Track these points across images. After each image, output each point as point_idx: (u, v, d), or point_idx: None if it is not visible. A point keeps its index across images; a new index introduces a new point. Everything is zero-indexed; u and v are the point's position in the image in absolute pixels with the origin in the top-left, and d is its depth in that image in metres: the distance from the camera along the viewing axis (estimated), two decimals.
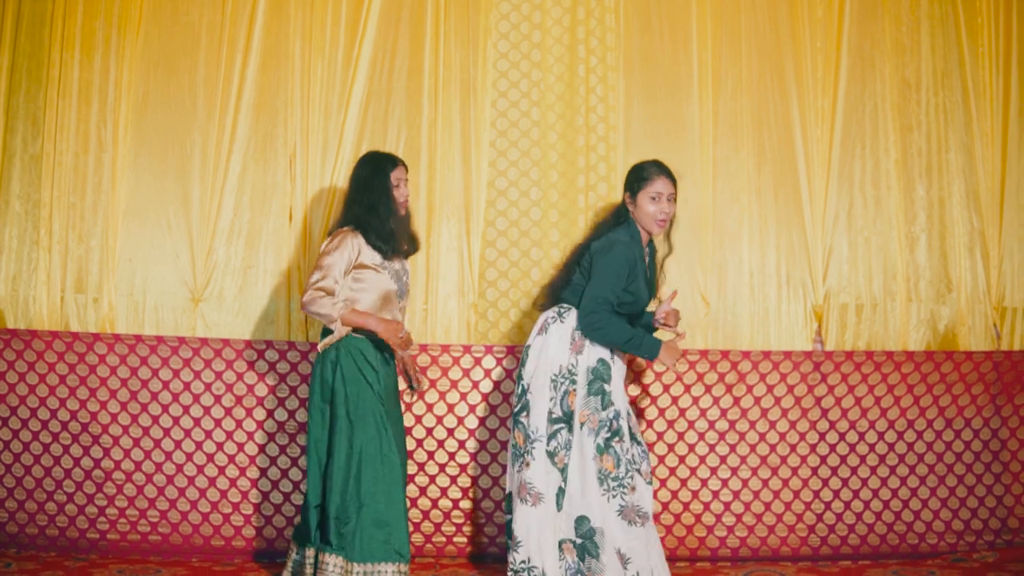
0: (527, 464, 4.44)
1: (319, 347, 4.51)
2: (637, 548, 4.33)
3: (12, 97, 5.58)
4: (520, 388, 4.56)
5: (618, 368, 4.50)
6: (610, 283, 4.41)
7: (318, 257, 4.51)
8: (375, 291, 4.54)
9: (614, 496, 4.35)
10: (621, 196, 4.94)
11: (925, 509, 5.48)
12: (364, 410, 4.45)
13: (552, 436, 4.42)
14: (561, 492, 4.41)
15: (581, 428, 4.40)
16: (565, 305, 4.58)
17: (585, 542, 4.37)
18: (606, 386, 4.43)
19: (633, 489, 4.36)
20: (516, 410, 4.56)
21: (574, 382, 4.43)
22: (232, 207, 5.52)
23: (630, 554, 4.33)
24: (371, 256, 4.54)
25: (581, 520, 4.38)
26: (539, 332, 4.58)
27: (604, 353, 4.46)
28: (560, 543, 4.40)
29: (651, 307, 4.81)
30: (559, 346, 4.48)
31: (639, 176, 4.55)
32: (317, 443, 4.53)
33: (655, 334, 4.75)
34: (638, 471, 4.44)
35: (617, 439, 4.38)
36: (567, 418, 4.42)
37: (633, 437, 4.50)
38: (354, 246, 4.51)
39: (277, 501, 5.36)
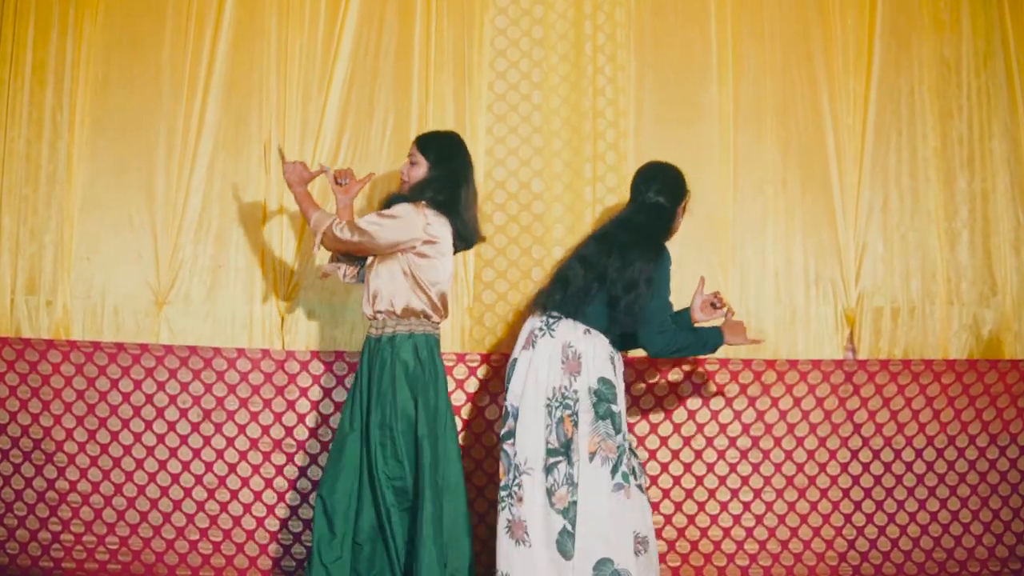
0: (519, 499, 4.05)
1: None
2: None
3: None
4: (506, 409, 4.19)
5: (620, 387, 4.17)
6: (666, 298, 4.21)
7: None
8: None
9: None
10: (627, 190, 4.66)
11: (967, 534, 5.22)
12: None
13: (549, 470, 4.01)
14: (568, 536, 3.97)
15: (592, 459, 4.01)
16: (556, 314, 4.18)
17: None
18: (613, 407, 4.07)
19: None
20: (502, 434, 4.18)
21: (569, 407, 4.04)
22: (200, 200, 5.26)
23: None
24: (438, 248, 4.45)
25: (603, 564, 3.97)
26: (525, 345, 4.21)
27: (606, 370, 4.09)
28: None
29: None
30: (551, 365, 4.11)
31: (682, 185, 4.39)
32: None
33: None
34: (639, 487, 4.11)
35: (629, 459, 4.08)
36: (565, 449, 4.02)
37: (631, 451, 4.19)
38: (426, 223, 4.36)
39: (250, 527, 5.06)
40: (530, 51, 5.35)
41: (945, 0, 5.51)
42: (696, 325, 4.38)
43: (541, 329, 4.17)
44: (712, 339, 4.25)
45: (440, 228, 4.25)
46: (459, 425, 5.01)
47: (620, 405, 4.10)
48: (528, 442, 4.05)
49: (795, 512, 5.16)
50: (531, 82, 5.34)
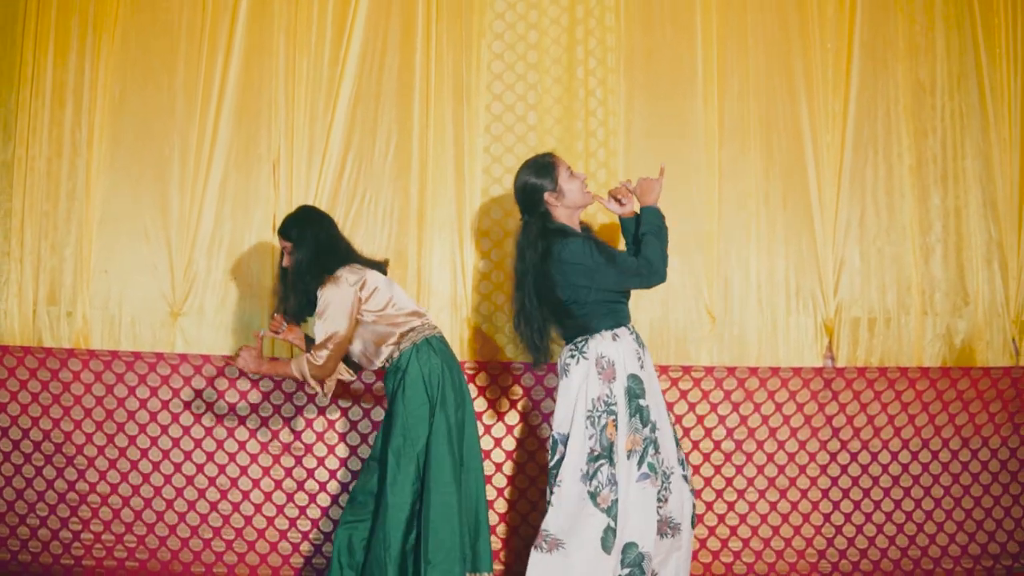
0: (548, 511, 4.16)
1: None
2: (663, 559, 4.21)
3: None
4: (554, 437, 4.26)
5: (648, 375, 4.25)
6: (604, 265, 4.17)
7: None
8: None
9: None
10: None
11: (940, 533, 5.35)
12: None
13: (592, 476, 4.10)
14: (611, 532, 4.06)
15: (628, 457, 4.13)
16: (580, 339, 4.25)
17: (633, 570, 4.12)
18: (641, 402, 4.17)
19: (667, 500, 4.20)
20: (551, 465, 4.25)
21: (613, 412, 4.14)
22: (213, 216, 5.38)
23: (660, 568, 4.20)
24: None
25: (629, 547, 4.11)
26: (560, 376, 4.29)
27: (633, 367, 4.18)
28: None
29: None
30: (588, 381, 4.17)
31: (540, 172, 4.32)
32: None
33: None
34: (684, 477, 4.27)
35: (654, 452, 4.17)
36: (608, 452, 4.11)
37: (677, 441, 4.32)
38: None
39: (261, 526, 5.21)
40: (525, 74, 5.45)
41: (921, 24, 5.58)
42: (628, 220, 4.37)
43: (572, 356, 4.23)
44: (651, 220, 4.21)
45: (358, 275, 4.47)
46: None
47: (648, 399, 4.17)
48: (573, 459, 4.14)
49: (777, 511, 5.27)
50: (526, 104, 5.44)
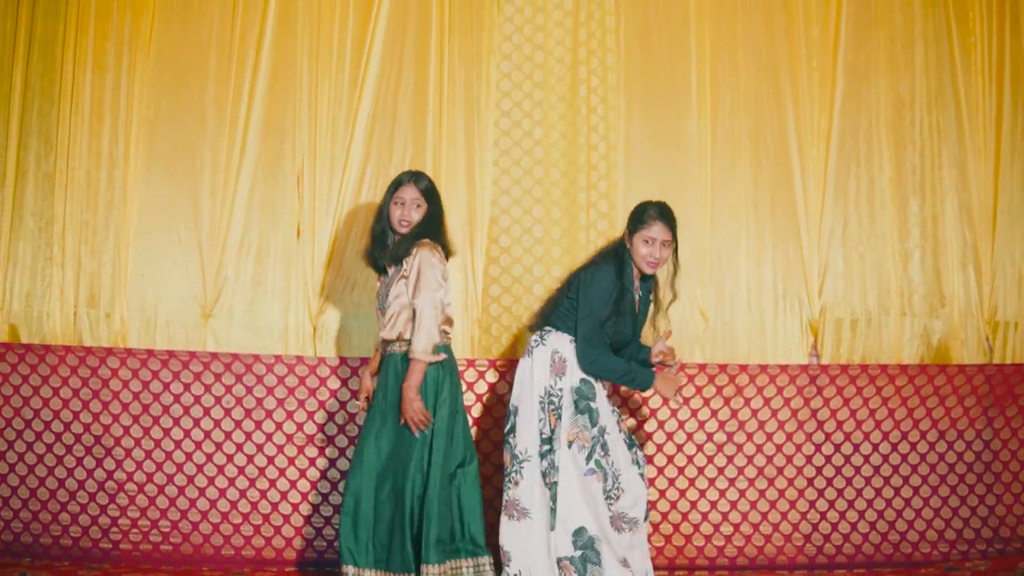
0: (515, 483, 4.54)
1: None
2: (628, 553, 4.52)
3: (25, 115, 5.65)
4: (509, 409, 4.67)
5: (600, 388, 4.62)
6: (598, 314, 4.49)
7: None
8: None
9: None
10: (621, 212, 5.23)
11: (918, 519, 5.57)
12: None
13: (543, 456, 4.50)
14: (552, 511, 4.46)
15: (570, 446, 4.48)
16: (548, 328, 4.66)
17: (586, 551, 4.44)
18: (592, 403, 4.53)
19: (618, 498, 4.50)
20: (506, 430, 4.66)
21: (555, 404, 4.52)
22: (241, 223, 5.59)
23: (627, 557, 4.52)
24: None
25: (579, 532, 4.45)
26: (525, 355, 4.69)
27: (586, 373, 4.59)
28: (558, 562, 4.46)
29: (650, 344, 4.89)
30: (542, 369, 4.57)
31: (639, 218, 4.57)
32: None
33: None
34: (641, 475, 4.59)
35: (603, 453, 4.50)
36: (549, 439, 4.50)
37: (630, 443, 4.65)
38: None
39: (286, 512, 5.45)
40: (532, 92, 5.67)
41: (901, 43, 5.79)
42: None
43: (536, 340, 4.64)
44: (642, 381, 4.52)
45: (445, 262, 4.64)
46: (470, 420, 5.28)
47: (599, 403, 4.54)
48: (526, 434, 4.54)
49: (765, 499, 5.50)
50: (532, 120, 5.65)
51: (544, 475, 4.49)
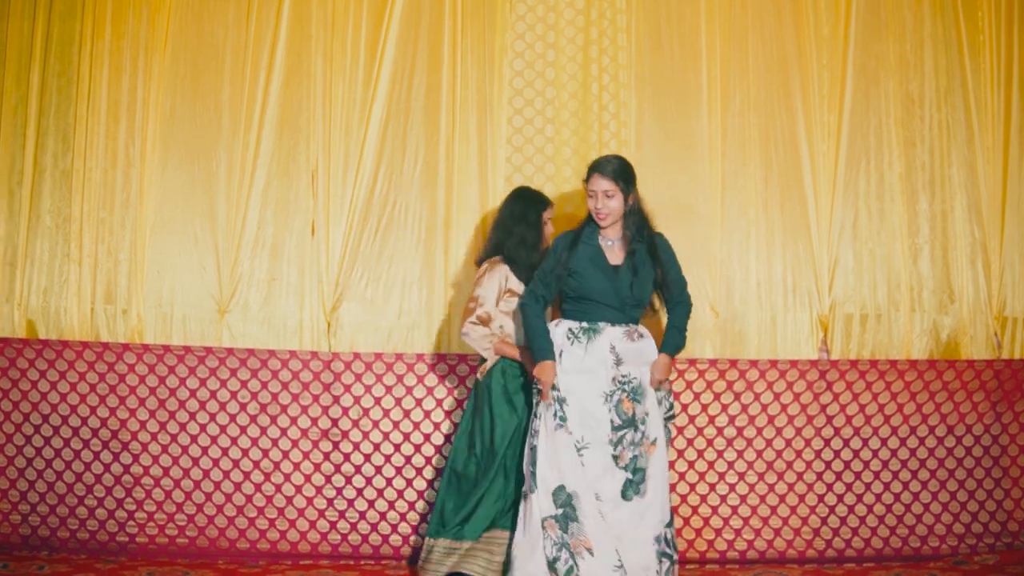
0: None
1: (478, 374, 5.01)
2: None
3: (43, 115, 5.71)
4: None
5: (570, 368, 4.66)
6: (541, 266, 4.77)
7: (472, 287, 5.00)
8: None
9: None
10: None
11: (927, 513, 5.58)
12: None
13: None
14: (532, 475, 4.63)
15: (546, 410, 4.66)
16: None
17: (565, 509, 4.54)
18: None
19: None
20: None
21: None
22: (256, 221, 5.65)
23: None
24: (516, 283, 4.98)
25: (558, 491, 4.57)
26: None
27: (562, 342, 4.70)
28: (543, 522, 4.55)
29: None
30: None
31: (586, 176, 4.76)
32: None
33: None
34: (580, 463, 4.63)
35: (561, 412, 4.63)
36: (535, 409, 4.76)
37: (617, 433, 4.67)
38: (503, 275, 4.97)
39: (301, 505, 5.50)
40: (544, 90, 5.71)
41: (911, 42, 5.80)
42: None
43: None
44: (534, 351, 4.72)
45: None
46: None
47: (562, 389, 4.65)
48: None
49: (775, 493, 5.52)
50: (545, 117, 5.69)
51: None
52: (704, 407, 5.58)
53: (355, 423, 5.53)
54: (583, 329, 4.68)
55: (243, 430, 5.51)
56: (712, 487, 5.57)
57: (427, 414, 5.55)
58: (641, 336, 4.71)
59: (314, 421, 5.53)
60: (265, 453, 5.51)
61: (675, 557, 4.60)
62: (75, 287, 5.63)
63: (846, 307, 5.70)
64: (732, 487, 5.56)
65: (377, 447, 5.54)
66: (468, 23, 5.74)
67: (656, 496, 4.58)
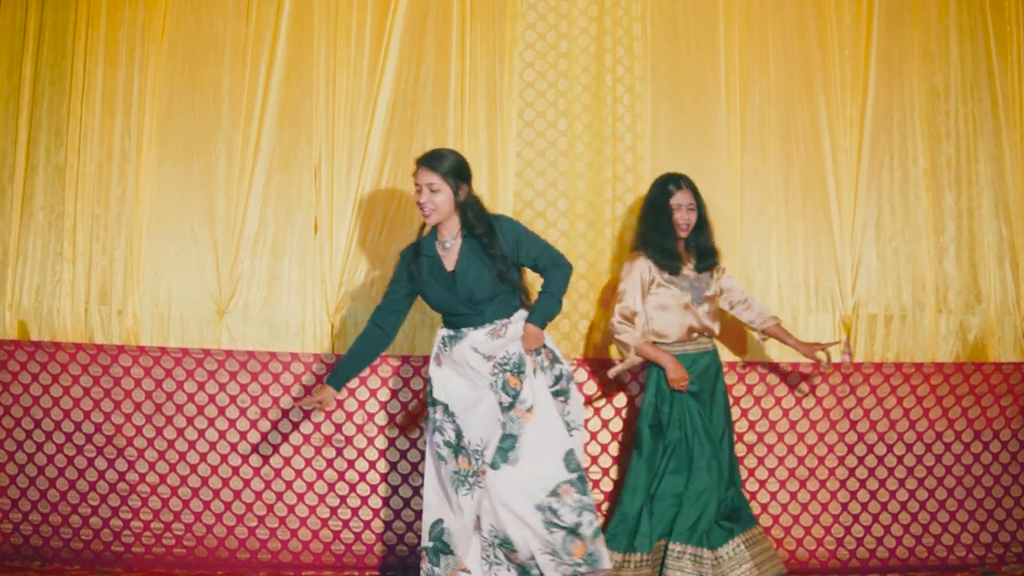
0: None
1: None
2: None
3: (35, 108, 5.59)
4: None
5: (441, 375, 4.49)
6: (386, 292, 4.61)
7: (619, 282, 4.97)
8: (670, 307, 4.86)
9: (467, 493, 4.42)
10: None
11: (953, 522, 5.48)
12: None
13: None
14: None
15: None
16: None
17: (435, 543, 4.43)
18: (432, 378, 4.51)
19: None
20: None
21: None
22: (257, 218, 5.54)
23: None
24: (660, 274, 4.88)
25: (436, 523, 4.47)
26: None
27: (439, 350, 4.52)
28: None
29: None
30: None
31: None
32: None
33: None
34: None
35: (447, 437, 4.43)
36: None
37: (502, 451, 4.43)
38: (643, 267, 4.89)
39: (303, 514, 5.37)
40: (556, 82, 5.59)
41: (935, 32, 5.70)
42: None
43: None
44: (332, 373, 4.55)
45: None
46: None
47: (435, 378, 4.50)
48: None
49: (797, 501, 5.41)
50: (557, 110, 5.58)
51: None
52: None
53: (360, 428, 5.42)
54: (450, 337, 4.48)
55: (243, 436, 5.38)
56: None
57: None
58: (507, 327, 4.44)
59: (317, 426, 5.40)
60: (266, 460, 5.38)
61: (575, 526, 4.24)
62: (68, 287, 5.51)
63: (870, 308, 5.60)
64: (753, 495, 5.43)
65: (383, 453, 5.42)
66: (477, 12, 5.62)
67: (535, 464, 4.30)
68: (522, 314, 4.46)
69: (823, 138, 5.65)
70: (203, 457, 5.37)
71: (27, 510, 5.35)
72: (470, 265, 4.39)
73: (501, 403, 4.36)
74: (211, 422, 5.38)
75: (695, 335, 4.91)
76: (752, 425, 5.45)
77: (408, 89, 5.59)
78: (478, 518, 4.34)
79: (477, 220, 4.41)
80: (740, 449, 5.41)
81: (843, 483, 5.45)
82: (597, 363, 5.48)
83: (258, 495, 5.37)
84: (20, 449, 5.36)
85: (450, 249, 4.45)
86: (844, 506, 5.44)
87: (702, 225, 4.97)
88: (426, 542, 4.40)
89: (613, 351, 5.45)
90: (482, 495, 4.31)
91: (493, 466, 4.30)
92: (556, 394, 4.45)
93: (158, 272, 5.51)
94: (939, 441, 5.49)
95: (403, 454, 5.40)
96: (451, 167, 4.40)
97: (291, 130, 5.57)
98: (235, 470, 5.37)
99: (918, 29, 5.73)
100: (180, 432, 5.37)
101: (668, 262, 4.88)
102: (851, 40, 5.70)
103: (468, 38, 5.61)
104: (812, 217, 5.62)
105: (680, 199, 4.90)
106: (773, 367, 5.46)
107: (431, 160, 4.41)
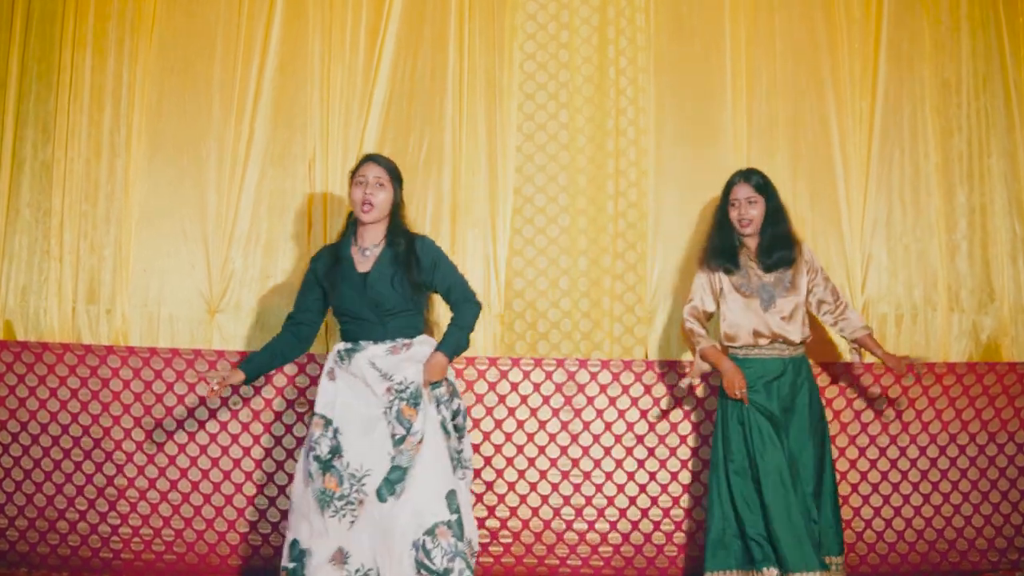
0: None
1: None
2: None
3: (22, 101, 5.50)
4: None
5: (332, 389, 4.34)
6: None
7: None
8: (735, 310, 4.75)
9: (334, 516, 4.22)
10: (651, 201, 5.24)
11: (968, 526, 5.36)
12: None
13: None
14: None
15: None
16: None
17: (295, 564, 4.25)
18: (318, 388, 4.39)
19: (361, 503, 4.20)
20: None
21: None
22: (249, 215, 5.45)
23: None
24: (723, 277, 4.80)
25: (294, 544, 4.29)
26: None
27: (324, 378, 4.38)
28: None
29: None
30: None
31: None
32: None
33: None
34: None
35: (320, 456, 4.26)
36: None
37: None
38: (707, 272, 4.85)
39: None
40: (557, 74, 5.51)
41: (946, 25, 5.62)
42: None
43: None
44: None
45: None
46: (491, 424, 5.28)
47: (322, 407, 4.34)
48: None
49: None
50: (558, 103, 5.50)
51: None
52: None
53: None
54: (348, 350, 4.35)
55: (234, 439, 5.28)
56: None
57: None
58: (409, 347, 4.33)
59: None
60: (258, 464, 5.28)
61: (444, 572, 4.07)
62: (55, 285, 5.41)
63: (880, 307, 5.50)
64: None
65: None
66: (476, 1, 5.56)
67: (419, 499, 4.15)
68: (424, 339, 4.38)
69: (831, 132, 5.57)
70: (193, 461, 5.26)
71: (13, 515, 5.25)
72: (384, 272, 4.34)
73: (394, 435, 4.22)
74: (201, 425, 5.28)
75: (763, 341, 4.74)
76: None
77: (404, 81, 5.51)
78: (340, 551, 4.14)
79: (402, 232, 4.41)
80: None
81: (855, 488, 5.33)
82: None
83: (250, 500, 5.26)
84: (6, 453, 5.25)
85: (368, 257, 4.39)
86: (856, 511, 5.32)
87: (773, 221, 4.80)
88: (286, 562, 4.24)
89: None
90: (357, 528, 4.14)
91: (380, 499, 4.15)
92: (455, 429, 4.35)
93: (148, 271, 5.41)
94: (953, 443, 5.37)
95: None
96: (395, 169, 4.45)
97: (284, 124, 5.49)
98: (226, 474, 5.26)
99: (929, 21, 5.64)
100: (169, 435, 5.27)
101: (722, 262, 4.78)
102: (860, 31, 5.62)
103: (466, 28, 5.54)
104: (820, 213, 5.53)
105: (737, 193, 4.80)
106: None
107: (378, 157, 4.48)
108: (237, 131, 5.46)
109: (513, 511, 5.29)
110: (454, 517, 4.16)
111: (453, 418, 4.35)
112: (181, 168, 5.46)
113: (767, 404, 4.64)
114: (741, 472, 4.63)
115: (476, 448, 5.26)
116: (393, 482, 4.14)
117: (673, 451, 5.32)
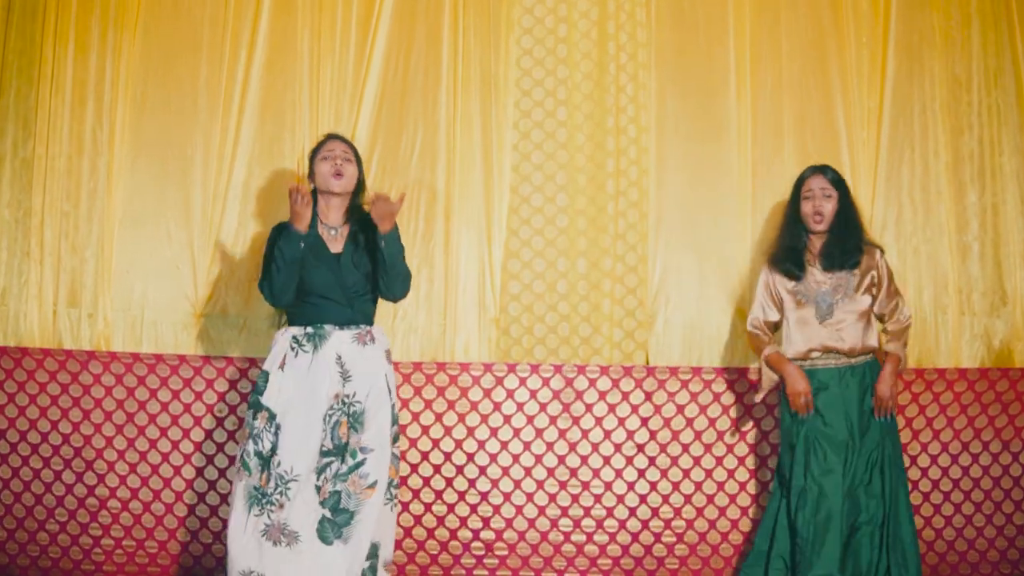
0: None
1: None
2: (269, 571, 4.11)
3: (1, 97, 5.36)
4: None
5: (279, 379, 4.27)
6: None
7: None
8: (792, 318, 4.68)
9: (259, 515, 4.14)
10: (652, 200, 5.17)
11: (980, 537, 5.25)
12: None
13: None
14: None
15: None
16: None
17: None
18: (261, 398, 4.26)
19: (282, 506, 4.12)
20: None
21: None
22: (236, 215, 5.34)
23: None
24: (782, 281, 4.73)
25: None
26: None
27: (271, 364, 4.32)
28: None
29: None
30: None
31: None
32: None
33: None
34: (316, 487, 4.19)
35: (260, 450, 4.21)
36: None
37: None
38: (767, 275, 4.80)
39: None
40: (555, 70, 5.42)
41: (956, 19, 5.53)
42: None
43: None
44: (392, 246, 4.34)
45: None
46: (486, 432, 5.17)
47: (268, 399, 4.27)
48: None
49: None
50: (556, 99, 5.41)
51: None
52: (733, 422, 5.27)
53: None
54: (308, 335, 4.28)
55: (219, 448, 5.16)
56: (743, 511, 5.23)
57: (427, 430, 5.22)
58: (373, 340, 4.32)
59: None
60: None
61: None
62: (35, 288, 5.27)
63: None
64: (763, 509, 5.07)
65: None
66: None
67: (358, 548, 4.12)
68: (380, 329, 4.42)
69: (839, 130, 5.47)
70: (177, 470, 5.15)
71: None
72: (354, 252, 4.39)
73: (323, 446, 4.17)
74: (186, 433, 5.16)
75: (815, 353, 4.62)
76: (766, 436, 5.24)
77: (397, 78, 5.41)
78: None
79: (361, 212, 4.47)
80: (752, 461, 5.21)
81: None
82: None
83: None
84: None
85: (335, 237, 4.42)
86: None
87: (844, 219, 4.69)
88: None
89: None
90: (287, 565, 4.06)
91: (324, 540, 4.09)
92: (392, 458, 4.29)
93: (131, 273, 5.29)
94: (965, 452, 5.26)
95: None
96: (356, 150, 4.56)
97: (273, 122, 5.38)
98: (211, 484, 5.15)
99: (938, 15, 5.54)
100: (153, 444, 5.16)
101: (783, 265, 4.70)
102: (868, 25, 5.52)
103: (461, 23, 5.44)
104: None
105: (812, 184, 4.70)
106: None
107: (341, 136, 4.59)
108: (223, 128, 5.35)
109: (509, 522, 5.18)
110: (368, 564, 4.17)
111: (394, 423, 4.33)
112: (166, 166, 5.35)
113: (829, 418, 4.55)
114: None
115: (471, 457, 5.20)
116: (340, 525, 4.12)
117: (675, 460, 5.20)
